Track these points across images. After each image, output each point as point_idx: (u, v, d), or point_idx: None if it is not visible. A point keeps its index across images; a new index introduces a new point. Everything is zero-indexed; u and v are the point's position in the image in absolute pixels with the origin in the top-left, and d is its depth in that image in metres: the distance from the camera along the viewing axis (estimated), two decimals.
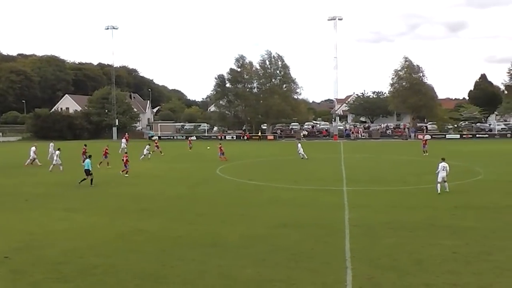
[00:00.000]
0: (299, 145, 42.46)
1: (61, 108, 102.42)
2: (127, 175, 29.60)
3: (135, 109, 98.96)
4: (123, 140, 50.25)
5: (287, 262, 12.01)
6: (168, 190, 24.62)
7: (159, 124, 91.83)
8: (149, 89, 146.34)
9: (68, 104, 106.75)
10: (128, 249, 13.43)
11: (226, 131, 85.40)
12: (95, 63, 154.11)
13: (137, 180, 28.48)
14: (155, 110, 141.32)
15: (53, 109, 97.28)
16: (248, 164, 38.35)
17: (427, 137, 62.86)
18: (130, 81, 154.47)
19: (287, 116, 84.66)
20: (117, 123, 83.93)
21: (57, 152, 33.58)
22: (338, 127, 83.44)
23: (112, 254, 12.96)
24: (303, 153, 40.32)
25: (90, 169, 25.83)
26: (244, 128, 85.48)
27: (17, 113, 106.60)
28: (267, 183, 26.48)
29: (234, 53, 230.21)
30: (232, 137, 79.00)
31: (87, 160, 26.32)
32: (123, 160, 30.33)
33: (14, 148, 59.51)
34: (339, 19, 79.48)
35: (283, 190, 24.11)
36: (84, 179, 25.67)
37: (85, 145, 37.24)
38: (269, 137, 77.58)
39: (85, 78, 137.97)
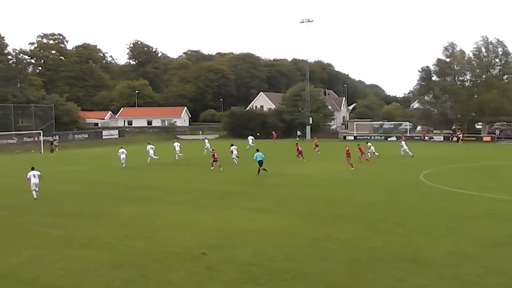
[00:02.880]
0: (403, 142, 46.99)
1: (255, 106, 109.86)
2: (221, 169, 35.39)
3: (329, 107, 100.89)
4: (250, 138, 57.36)
5: None
6: (362, 195, 24.60)
7: (354, 122, 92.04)
8: (345, 85, 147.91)
9: (262, 102, 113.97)
10: (320, 256, 13.81)
11: (431, 131, 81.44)
12: (289, 59, 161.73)
13: (327, 183, 29.19)
14: (350, 107, 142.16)
15: (248, 107, 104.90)
16: (457, 169, 36.06)
17: None
18: (324, 77, 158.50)
19: (508, 113, 76.99)
20: (310, 122, 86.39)
21: (234, 147, 40.96)
22: None
23: (303, 260, 13.47)
24: (407, 150, 44.42)
25: (262, 160, 32.36)
26: (453, 127, 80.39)
27: (214, 111, 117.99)
28: (480, 192, 24.58)
29: (442, 41, 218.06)
30: (439, 139, 74.92)
31: (259, 153, 32.59)
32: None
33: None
34: None
35: (501, 202, 22.13)
36: (263, 169, 31.98)
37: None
38: (485, 138, 71.61)
39: (278, 75, 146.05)
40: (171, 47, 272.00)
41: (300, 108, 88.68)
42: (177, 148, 45.50)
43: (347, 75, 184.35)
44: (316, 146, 51.17)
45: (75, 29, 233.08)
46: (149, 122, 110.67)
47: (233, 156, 39.98)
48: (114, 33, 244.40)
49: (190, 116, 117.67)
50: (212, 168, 36.16)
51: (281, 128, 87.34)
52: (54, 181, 30.73)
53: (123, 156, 39.60)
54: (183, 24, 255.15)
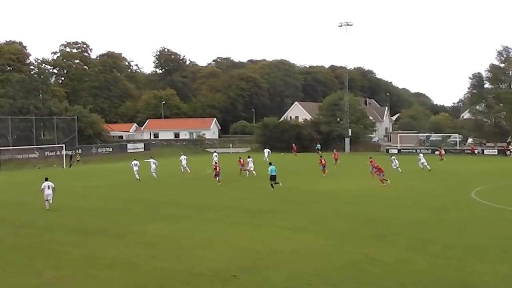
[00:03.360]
0: (421, 155, 47.14)
1: (290, 117, 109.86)
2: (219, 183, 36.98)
3: (370, 117, 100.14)
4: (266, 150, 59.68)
5: None
6: (406, 213, 24.33)
7: (398, 134, 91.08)
8: (387, 93, 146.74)
9: (297, 112, 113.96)
10: (360, 280, 13.69)
11: (484, 144, 79.88)
12: (326, 65, 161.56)
13: (366, 199, 29.03)
14: (394, 118, 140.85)
15: (282, 118, 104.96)
16: None
17: None
18: (365, 85, 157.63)
19: None
20: (350, 134, 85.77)
21: (251, 159, 43.79)
22: None
23: (341, 284, 13.38)
24: (426, 164, 44.96)
25: (274, 175, 33.29)
26: (508, 140, 78.71)
27: (246, 122, 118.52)
28: None
29: (495, 44, 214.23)
30: (492, 152, 73.37)
31: (272, 167, 33.47)
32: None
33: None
34: None
35: None
36: (275, 183, 32.89)
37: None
38: None
39: (314, 83, 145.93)
40: (200, 54, 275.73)
41: (338, 119, 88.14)
42: (184, 162, 46.81)
43: (390, 82, 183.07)
44: (336, 160, 52.47)
45: (99, 37, 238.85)
46: (176, 135, 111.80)
47: (249, 169, 42.70)
48: (139, 41, 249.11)
49: (220, 127, 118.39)
50: (219, 184, 37.09)
51: (318, 141, 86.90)
52: (76, 197, 31.37)
53: (136, 168, 41.22)
54: (211, 30, 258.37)
